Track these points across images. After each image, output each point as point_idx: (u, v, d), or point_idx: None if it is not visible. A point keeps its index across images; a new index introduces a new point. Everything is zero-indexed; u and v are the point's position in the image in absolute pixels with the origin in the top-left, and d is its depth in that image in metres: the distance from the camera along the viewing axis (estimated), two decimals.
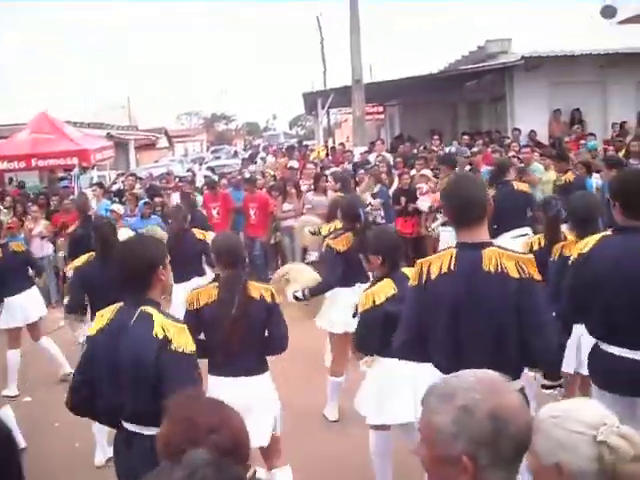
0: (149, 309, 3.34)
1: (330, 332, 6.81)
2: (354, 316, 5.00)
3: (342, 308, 6.21)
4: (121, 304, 3.47)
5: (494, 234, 6.21)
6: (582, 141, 15.12)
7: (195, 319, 4.57)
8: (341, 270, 6.39)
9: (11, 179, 19.41)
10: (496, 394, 1.77)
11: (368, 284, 5.09)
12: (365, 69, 21.17)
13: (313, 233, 9.41)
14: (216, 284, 4.78)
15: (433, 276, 3.48)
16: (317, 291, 6.48)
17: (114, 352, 3.32)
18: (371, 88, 20.67)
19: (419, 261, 3.60)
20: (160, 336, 3.24)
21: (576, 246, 4.23)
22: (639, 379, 3.76)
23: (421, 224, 11.95)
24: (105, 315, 3.46)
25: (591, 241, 4.01)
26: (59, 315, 10.24)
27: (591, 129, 17.14)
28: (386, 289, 4.69)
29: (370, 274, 5.59)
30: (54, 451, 6.46)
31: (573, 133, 16.89)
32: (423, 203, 11.92)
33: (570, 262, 4.13)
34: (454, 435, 1.74)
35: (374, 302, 4.65)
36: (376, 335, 4.53)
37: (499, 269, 3.36)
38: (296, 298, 6.38)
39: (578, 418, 1.95)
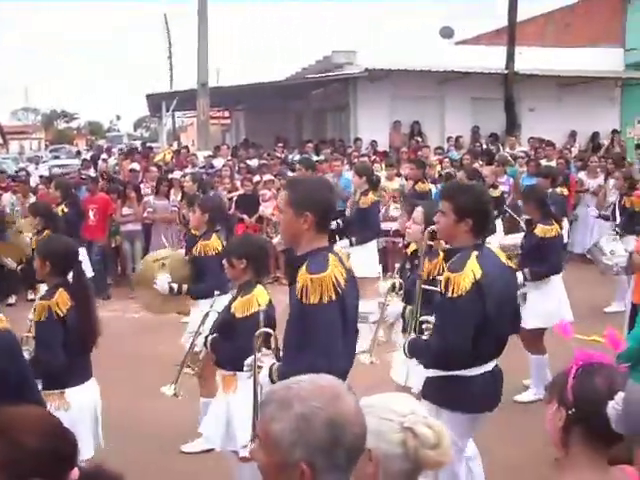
0: None
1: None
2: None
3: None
4: None
5: None
6: (419, 152, 15.76)
7: None
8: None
9: None
10: (334, 401, 1.79)
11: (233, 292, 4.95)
12: (212, 73, 21.09)
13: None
14: None
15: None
16: (200, 294, 6.11)
17: None
18: (217, 92, 20.59)
19: None
20: None
21: None
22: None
23: (263, 230, 12.02)
24: None
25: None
26: None
27: (429, 142, 17.94)
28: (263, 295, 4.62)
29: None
30: None
31: (412, 145, 17.57)
32: (266, 209, 12.00)
33: None
34: (292, 443, 1.75)
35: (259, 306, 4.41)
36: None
37: None
38: (170, 289, 6.09)
39: (390, 407, 2.10)
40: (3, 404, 2.14)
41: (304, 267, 3.36)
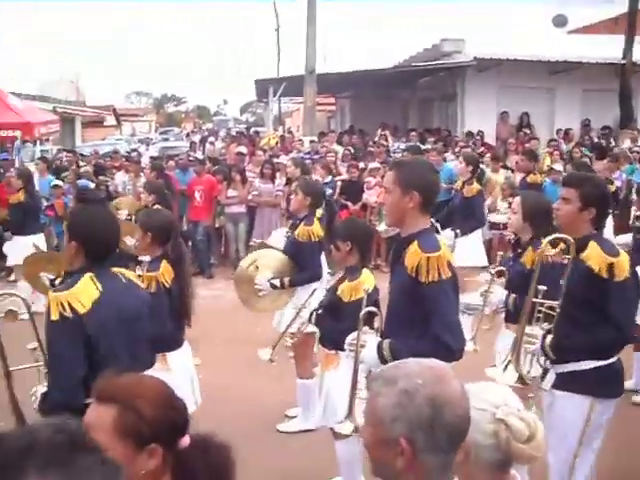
0: None
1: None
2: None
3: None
4: None
5: None
6: (527, 145, 15.38)
7: None
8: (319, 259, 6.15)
9: None
10: (438, 382, 1.81)
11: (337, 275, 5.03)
12: (319, 60, 21.17)
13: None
14: None
15: None
16: (301, 282, 6.15)
17: None
18: (324, 79, 20.68)
19: None
20: None
21: None
22: None
23: (366, 218, 12.01)
24: None
25: None
26: None
27: (538, 134, 17.46)
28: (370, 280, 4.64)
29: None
30: None
31: (520, 137, 17.16)
32: (370, 197, 11.98)
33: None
34: (394, 418, 1.78)
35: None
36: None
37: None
38: (274, 286, 6.11)
39: (483, 397, 2.11)
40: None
41: (415, 246, 3.38)
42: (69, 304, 3.28)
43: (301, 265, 6.21)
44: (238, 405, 6.45)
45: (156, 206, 8.13)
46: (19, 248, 9.59)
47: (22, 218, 9.77)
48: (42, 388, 3.53)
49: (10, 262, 10.14)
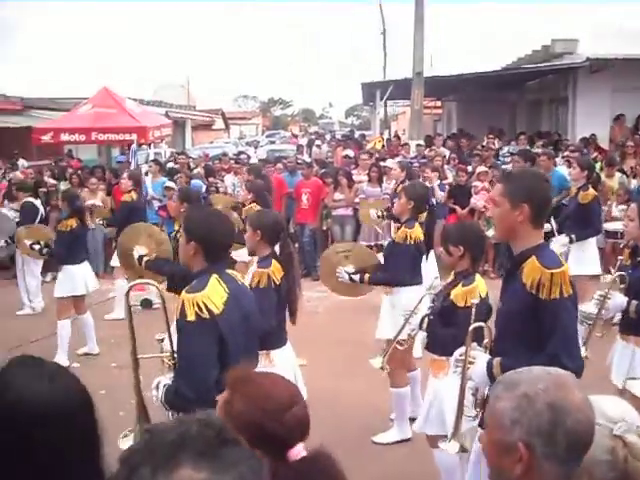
0: None
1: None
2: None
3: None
4: None
5: None
6: None
7: None
8: (413, 266, 6.11)
9: (70, 151, 19.75)
10: (560, 389, 1.79)
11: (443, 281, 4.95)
12: (425, 62, 21.02)
13: (379, 216, 9.49)
14: None
15: None
16: (381, 281, 6.25)
17: None
18: (430, 82, 20.52)
19: None
20: None
21: None
22: None
23: None
24: None
25: None
26: (109, 287, 10.48)
27: None
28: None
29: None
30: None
31: (636, 140, 16.50)
32: (478, 202, 11.83)
33: None
34: (513, 421, 1.77)
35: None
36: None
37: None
38: (351, 279, 6.19)
39: (600, 411, 1.99)
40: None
41: (535, 262, 3.28)
42: (205, 305, 3.37)
43: (386, 265, 6.23)
44: (336, 409, 6.46)
45: (253, 204, 8.36)
46: None
47: (128, 217, 10.06)
48: (165, 380, 3.63)
49: (114, 262, 10.49)
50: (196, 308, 3.36)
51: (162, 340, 3.91)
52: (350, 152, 15.17)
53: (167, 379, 3.64)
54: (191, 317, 3.36)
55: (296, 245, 12.76)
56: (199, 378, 3.37)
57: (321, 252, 12.72)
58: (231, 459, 1.17)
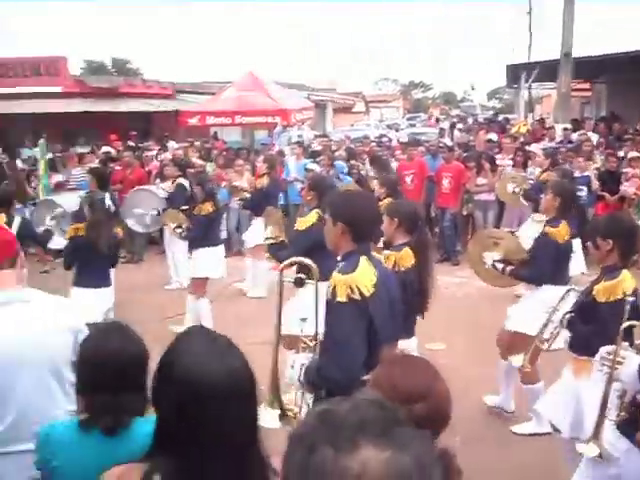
0: None
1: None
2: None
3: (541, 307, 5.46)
4: None
5: None
6: None
7: None
8: (555, 265, 5.84)
9: (215, 133, 20.41)
10: None
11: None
12: (576, 42, 20.19)
13: (515, 192, 9.30)
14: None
15: None
16: (522, 278, 6.09)
17: None
18: (579, 63, 19.71)
19: None
20: None
21: None
22: None
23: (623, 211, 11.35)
24: None
25: None
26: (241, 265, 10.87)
27: None
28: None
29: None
30: None
31: None
32: (628, 189, 11.31)
33: None
34: None
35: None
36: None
37: None
38: (493, 266, 6.07)
39: None
40: None
41: None
42: (357, 287, 3.39)
43: (531, 262, 5.97)
44: (473, 395, 6.39)
45: (388, 199, 8.24)
46: (255, 230, 10.26)
47: (261, 201, 10.31)
48: (301, 359, 3.70)
49: (248, 244, 10.78)
50: (348, 290, 3.38)
51: (305, 319, 3.96)
52: (493, 136, 14.85)
53: (303, 358, 3.71)
54: (342, 298, 3.39)
55: (436, 229, 12.69)
56: (347, 359, 3.39)
57: (462, 237, 12.67)
58: (406, 439, 1.20)
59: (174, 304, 9.36)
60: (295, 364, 3.67)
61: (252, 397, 1.93)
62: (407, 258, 4.77)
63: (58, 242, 8.80)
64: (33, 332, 3.09)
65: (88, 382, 2.55)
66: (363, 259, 3.52)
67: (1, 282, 3.17)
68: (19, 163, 16.26)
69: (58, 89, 20.89)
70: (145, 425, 2.46)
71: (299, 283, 4.10)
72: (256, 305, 9.59)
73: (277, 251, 6.56)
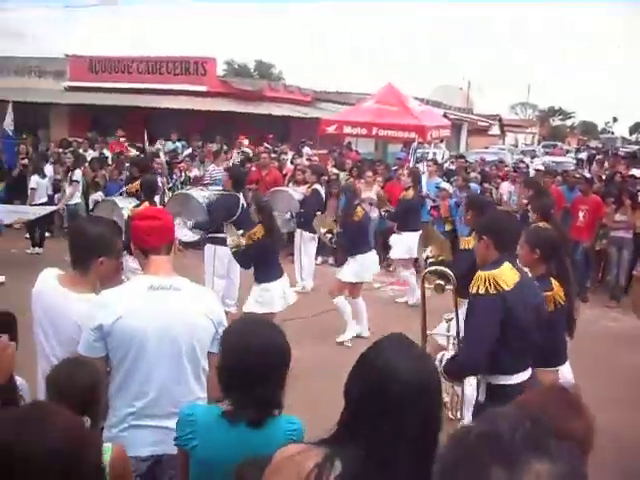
0: None
1: None
2: None
3: None
4: None
5: None
6: None
7: None
8: None
9: (349, 143, 20.62)
10: None
11: None
12: None
13: None
14: None
15: None
16: None
17: None
18: None
19: None
20: None
21: None
22: None
23: None
24: None
25: None
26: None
27: None
28: None
29: None
30: None
31: None
32: None
33: None
34: None
35: None
36: None
37: None
38: None
39: None
40: None
41: None
42: (495, 281, 3.68)
43: None
44: (618, 443, 5.94)
45: (542, 223, 8.08)
46: (401, 243, 10.37)
47: (405, 214, 10.45)
48: (448, 354, 4.10)
49: (393, 255, 10.87)
50: (487, 283, 3.70)
51: (450, 320, 4.42)
52: (637, 172, 14.31)
53: (449, 353, 4.16)
54: (480, 290, 3.71)
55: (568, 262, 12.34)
56: (473, 348, 3.72)
57: (592, 273, 12.26)
58: (564, 451, 1.23)
59: (292, 306, 9.58)
60: (443, 358, 4.06)
61: (436, 398, 2.04)
62: (559, 291, 4.70)
63: (187, 234, 9.21)
64: (182, 319, 3.26)
65: (235, 374, 2.61)
66: (506, 263, 3.83)
67: (159, 267, 3.36)
68: (162, 155, 17.04)
69: (204, 88, 21.74)
70: (287, 422, 2.58)
71: (440, 289, 4.44)
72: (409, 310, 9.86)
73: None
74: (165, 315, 3.23)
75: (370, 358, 2.03)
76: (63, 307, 3.33)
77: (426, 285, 4.51)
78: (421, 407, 1.93)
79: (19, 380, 3.83)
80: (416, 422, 1.91)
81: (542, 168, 16.68)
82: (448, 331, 4.50)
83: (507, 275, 3.74)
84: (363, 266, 8.76)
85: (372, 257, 8.95)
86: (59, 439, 1.79)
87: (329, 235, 9.13)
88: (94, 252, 3.41)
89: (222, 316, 3.39)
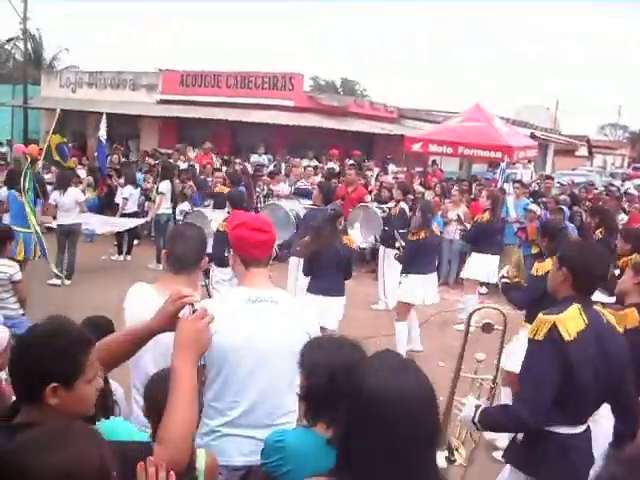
0: None
1: None
2: None
3: None
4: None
5: None
6: None
7: None
8: None
9: (434, 161, 20.49)
10: None
11: None
12: None
13: None
14: None
15: None
16: None
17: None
18: None
19: None
20: None
21: None
22: None
23: None
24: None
25: None
26: (457, 298, 10.77)
27: None
28: None
29: None
30: None
31: None
32: None
33: None
34: None
35: None
36: None
37: None
38: None
39: None
40: None
41: None
42: (557, 328, 3.38)
43: None
44: None
45: (635, 255, 7.74)
46: (476, 265, 10.19)
47: (480, 236, 10.25)
48: (475, 400, 3.73)
49: (464, 274, 10.70)
50: (547, 329, 3.40)
51: (481, 361, 4.09)
52: None
53: (477, 400, 3.76)
54: (539, 336, 3.42)
55: None
56: (535, 398, 3.40)
57: None
58: None
59: (374, 323, 9.52)
60: (470, 404, 3.68)
61: (432, 420, 2.01)
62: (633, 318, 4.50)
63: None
64: (280, 331, 3.29)
65: (321, 393, 2.59)
66: (575, 306, 3.49)
67: (258, 279, 3.41)
68: (248, 167, 17.31)
69: (291, 103, 21.97)
70: None
71: (487, 328, 4.13)
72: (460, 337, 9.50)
73: (510, 291, 6.49)
74: (263, 329, 3.26)
75: (360, 379, 2.02)
76: None
77: (474, 321, 4.10)
78: (416, 427, 1.93)
79: (114, 385, 3.94)
80: (411, 444, 1.92)
81: (634, 192, 16.24)
82: (475, 373, 4.14)
83: (571, 323, 3.42)
84: (416, 288, 8.60)
85: (422, 280, 8.68)
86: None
87: (396, 251, 9.09)
88: (201, 252, 3.63)
89: (318, 331, 3.41)
